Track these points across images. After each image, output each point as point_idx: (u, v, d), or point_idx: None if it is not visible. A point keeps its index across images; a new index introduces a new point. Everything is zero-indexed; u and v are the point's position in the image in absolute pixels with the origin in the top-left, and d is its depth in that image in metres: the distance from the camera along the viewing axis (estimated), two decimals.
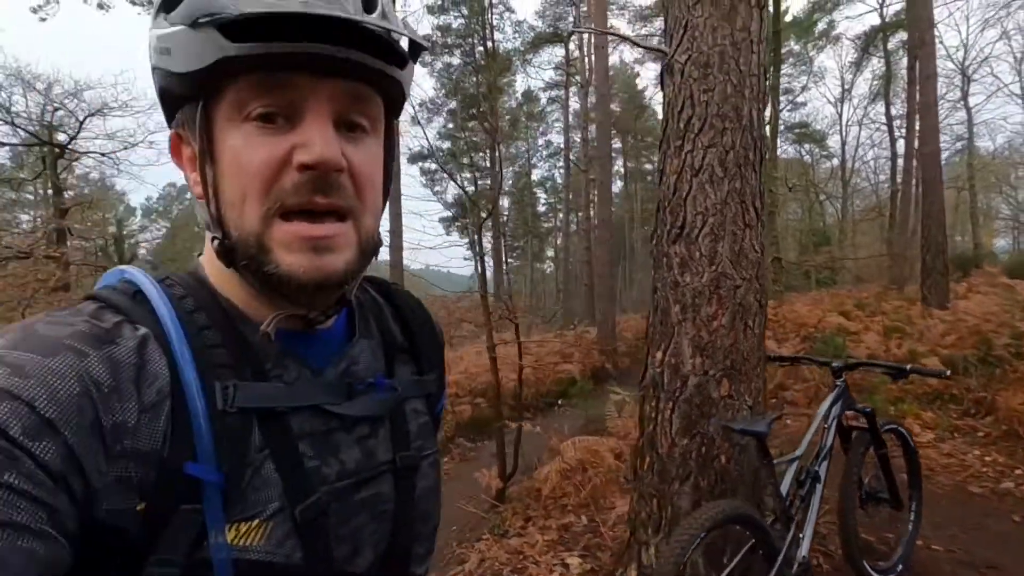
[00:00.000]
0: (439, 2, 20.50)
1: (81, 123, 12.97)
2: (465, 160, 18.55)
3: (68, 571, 0.39)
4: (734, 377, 2.32)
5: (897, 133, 20.64)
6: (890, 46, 21.11)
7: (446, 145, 24.44)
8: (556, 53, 24.59)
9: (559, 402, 8.17)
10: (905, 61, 15.90)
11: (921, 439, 4.24)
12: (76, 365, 0.42)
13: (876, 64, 23.47)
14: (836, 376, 2.49)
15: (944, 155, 14.61)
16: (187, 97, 0.51)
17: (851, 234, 24.53)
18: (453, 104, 23.47)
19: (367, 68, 0.49)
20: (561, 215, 32.84)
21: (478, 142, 20.95)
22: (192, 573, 0.45)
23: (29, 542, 0.36)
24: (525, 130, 29.36)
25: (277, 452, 0.50)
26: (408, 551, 0.61)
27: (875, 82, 24.36)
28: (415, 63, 0.56)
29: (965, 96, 23.68)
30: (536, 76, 42.89)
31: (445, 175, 24.92)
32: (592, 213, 19.20)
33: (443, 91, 23.78)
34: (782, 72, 16.78)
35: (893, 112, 21.52)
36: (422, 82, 32.47)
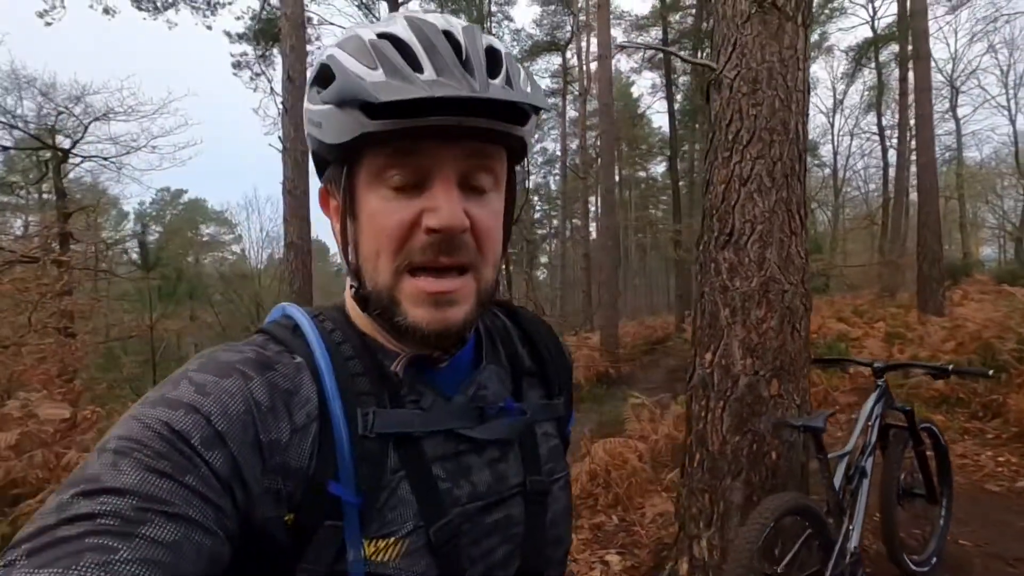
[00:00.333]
0: (438, 10, 20.66)
1: (86, 127, 12.96)
2: None
3: (226, 569, 0.45)
4: (783, 377, 2.43)
5: (888, 143, 21.11)
6: (882, 58, 21.58)
7: None
8: (553, 61, 24.90)
9: None
10: (897, 73, 16.24)
11: None
12: (243, 386, 0.49)
13: (868, 75, 23.99)
14: (877, 376, 2.59)
15: None
16: (334, 161, 0.57)
17: (842, 242, 24.94)
18: None
19: (490, 131, 0.53)
20: (556, 222, 33.07)
21: None
22: None
23: (200, 536, 0.42)
24: None
25: (412, 474, 0.54)
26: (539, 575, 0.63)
27: (867, 93, 24.88)
28: (538, 116, 0.59)
29: (954, 108, 24.31)
30: None
31: None
32: (590, 220, 19.38)
33: None
34: None
35: (884, 123, 22.01)
36: None
